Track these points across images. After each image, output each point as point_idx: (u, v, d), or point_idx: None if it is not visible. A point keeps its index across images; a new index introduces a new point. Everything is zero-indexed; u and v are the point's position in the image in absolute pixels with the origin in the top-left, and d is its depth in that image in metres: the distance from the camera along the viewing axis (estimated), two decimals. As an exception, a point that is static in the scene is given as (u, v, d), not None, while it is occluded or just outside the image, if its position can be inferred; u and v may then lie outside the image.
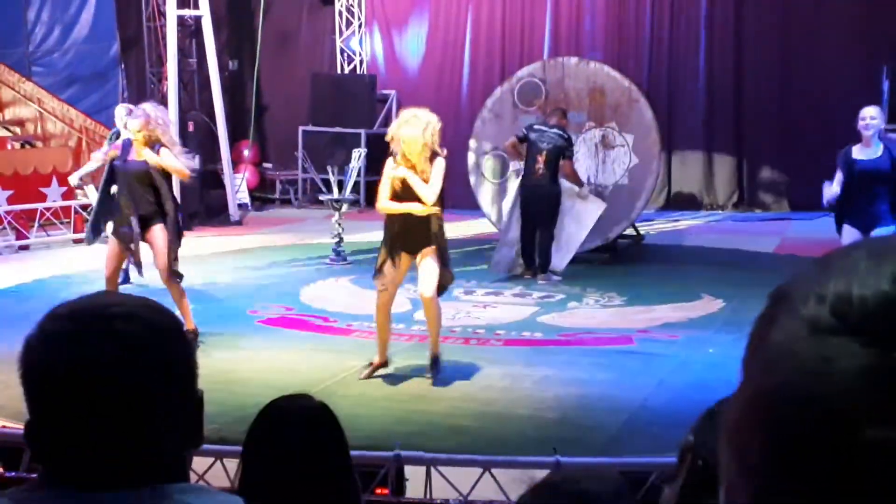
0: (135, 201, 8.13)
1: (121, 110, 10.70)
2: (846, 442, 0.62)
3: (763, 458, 0.66)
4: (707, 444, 1.53)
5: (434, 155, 7.16)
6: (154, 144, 8.10)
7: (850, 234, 8.14)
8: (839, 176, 8.40)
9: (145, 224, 8.17)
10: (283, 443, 2.38)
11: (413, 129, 7.07)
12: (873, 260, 0.67)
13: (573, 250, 11.56)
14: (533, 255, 11.34)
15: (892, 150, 8.34)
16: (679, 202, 16.66)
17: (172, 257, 8.14)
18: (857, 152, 8.36)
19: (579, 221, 11.61)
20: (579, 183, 11.62)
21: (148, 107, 8.35)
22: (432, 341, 7.64)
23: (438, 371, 7.56)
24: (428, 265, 7.31)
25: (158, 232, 8.15)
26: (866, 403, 0.62)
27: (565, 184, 11.44)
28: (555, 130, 11.34)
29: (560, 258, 11.38)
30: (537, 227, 11.31)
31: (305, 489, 2.28)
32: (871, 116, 8.35)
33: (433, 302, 7.37)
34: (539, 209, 11.27)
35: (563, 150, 11.21)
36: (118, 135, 10.47)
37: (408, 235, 7.27)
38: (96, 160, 10.45)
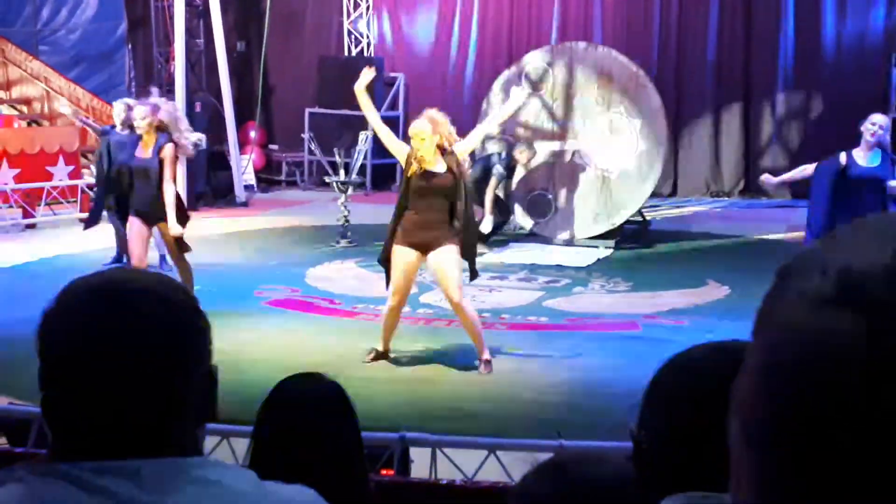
0: (139, 197, 8.15)
1: (119, 106, 10.57)
2: (847, 415, 0.63)
3: (767, 431, 0.67)
4: (649, 421, 1.44)
5: (444, 150, 7.12)
6: (160, 134, 8.07)
7: None
8: (803, 173, 8.69)
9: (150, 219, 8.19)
10: (296, 421, 2.39)
11: (421, 122, 7.14)
12: (875, 235, 0.67)
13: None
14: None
15: (891, 159, 8.36)
16: (685, 188, 16.64)
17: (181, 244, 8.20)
18: (858, 158, 8.35)
19: None
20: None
21: (160, 101, 8.48)
22: (477, 348, 7.43)
23: (489, 370, 7.41)
24: (445, 266, 7.13)
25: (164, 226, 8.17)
26: (866, 375, 0.62)
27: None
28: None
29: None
30: None
31: (317, 467, 2.29)
32: (880, 125, 8.33)
33: (462, 308, 7.22)
34: None
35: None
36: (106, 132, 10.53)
37: (426, 231, 7.11)
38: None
